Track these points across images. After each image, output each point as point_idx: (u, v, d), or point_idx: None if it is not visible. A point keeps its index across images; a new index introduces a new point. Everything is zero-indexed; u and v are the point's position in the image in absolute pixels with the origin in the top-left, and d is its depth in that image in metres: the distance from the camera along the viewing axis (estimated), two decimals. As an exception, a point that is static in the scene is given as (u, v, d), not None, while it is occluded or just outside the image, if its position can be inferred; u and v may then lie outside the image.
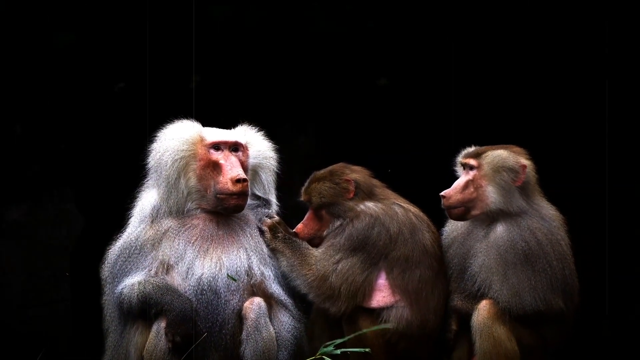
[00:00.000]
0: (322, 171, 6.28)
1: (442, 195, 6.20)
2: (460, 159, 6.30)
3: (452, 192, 6.20)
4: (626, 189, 8.46)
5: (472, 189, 6.19)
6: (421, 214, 6.28)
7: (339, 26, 8.66)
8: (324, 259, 6.07)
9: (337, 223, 6.17)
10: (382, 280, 6.12)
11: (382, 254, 6.10)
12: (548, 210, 6.27)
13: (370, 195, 6.22)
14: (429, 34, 8.70)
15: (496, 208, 6.16)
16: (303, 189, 6.26)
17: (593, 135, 8.50)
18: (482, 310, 6.07)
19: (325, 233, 6.20)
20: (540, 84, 8.58)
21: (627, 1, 8.27)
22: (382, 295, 6.10)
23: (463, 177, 6.24)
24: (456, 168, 6.36)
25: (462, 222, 6.36)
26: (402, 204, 6.25)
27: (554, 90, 8.57)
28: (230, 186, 5.94)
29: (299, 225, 6.22)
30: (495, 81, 8.63)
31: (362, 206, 6.16)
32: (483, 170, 6.19)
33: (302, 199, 6.25)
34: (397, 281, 6.10)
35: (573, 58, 8.51)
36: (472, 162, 6.22)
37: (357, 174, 6.27)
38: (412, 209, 6.26)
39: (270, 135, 6.34)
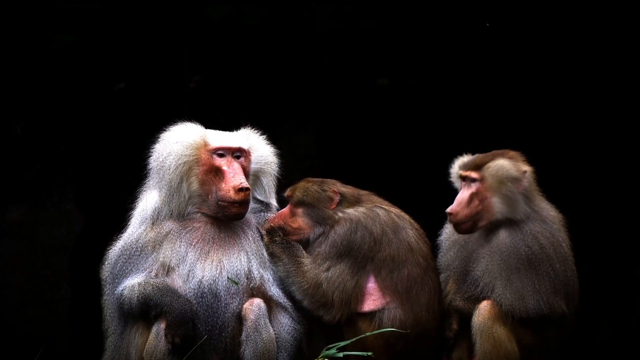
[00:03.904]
0: (316, 178, 6.31)
1: (448, 213, 6.17)
2: (459, 171, 6.24)
3: (458, 208, 6.16)
4: (626, 189, 8.46)
5: (477, 202, 6.17)
6: (403, 213, 6.28)
7: (339, 25, 8.66)
8: (314, 268, 6.09)
9: (319, 230, 6.18)
10: (371, 284, 6.13)
11: (368, 257, 6.11)
12: (549, 211, 6.27)
13: (351, 204, 6.23)
14: (430, 34, 8.70)
15: (503, 217, 6.15)
16: (290, 186, 6.28)
17: (593, 135, 8.50)
18: (483, 310, 6.07)
19: (310, 237, 6.20)
20: (540, 83, 8.57)
21: (626, 3, 8.27)
22: (372, 299, 6.12)
23: (466, 191, 6.19)
24: (454, 179, 6.32)
25: (462, 224, 6.36)
26: (383, 206, 6.25)
27: (553, 90, 8.56)
28: (232, 194, 5.93)
29: (272, 215, 6.23)
30: (495, 81, 8.63)
31: (340, 213, 6.18)
32: (486, 182, 6.16)
33: (286, 194, 6.26)
34: (386, 282, 6.11)
35: (572, 58, 8.51)
36: (474, 174, 6.19)
37: (346, 189, 6.28)
38: (394, 209, 6.27)
39: (270, 135, 6.34)
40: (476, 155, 6.26)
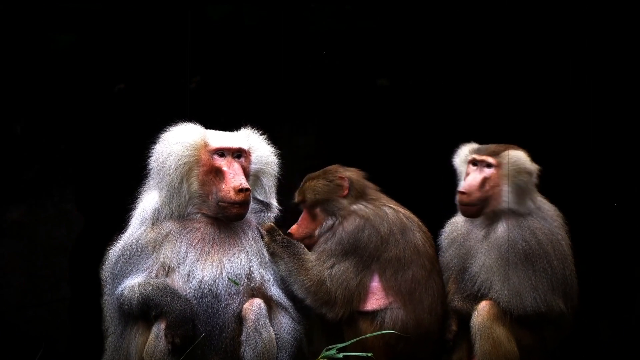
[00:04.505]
0: (315, 172, 6.30)
1: (460, 192, 6.15)
2: (472, 155, 6.23)
3: (472, 189, 6.15)
4: (626, 189, 8.46)
5: (487, 188, 6.16)
6: (411, 214, 6.28)
7: (339, 25, 8.66)
8: (318, 265, 6.08)
9: (329, 222, 6.17)
10: (375, 283, 6.13)
11: (374, 257, 6.11)
12: (549, 210, 6.28)
13: (362, 195, 6.22)
14: (430, 34, 8.70)
15: (507, 208, 6.16)
16: (297, 190, 6.28)
17: (593, 134, 8.50)
18: (482, 311, 6.07)
19: (317, 232, 6.21)
20: (541, 83, 8.57)
21: (627, 2, 8.27)
22: (375, 298, 6.11)
23: (478, 174, 6.19)
24: (459, 163, 6.32)
25: (462, 223, 6.36)
26: (392, 205, 6.25)
27: (553, 90, 8.56)
28: (232, 195, 5.93)
29: (294, 226, 6.24)
30: (496, 81, 8.63)
31: (354, 206, 6.17)
32: (503, 169, 6.16)
33: (295, 200, 6.26)
34: (390, 282, 6.11)
35: (572, 58, 8.51)
36: (491, 160, 6.19)
37: (351, 172, 6.28)
38: (402, 210, 6.26)
39: (270, 135, 6.34)
40: (489, 144, 6.27)
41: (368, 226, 6.11)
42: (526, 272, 6.08)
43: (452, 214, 6.49)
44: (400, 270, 6.12)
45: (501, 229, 6.16)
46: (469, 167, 6.25)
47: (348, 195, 6.20)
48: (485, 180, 6.17)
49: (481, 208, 6.17)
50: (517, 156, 6.19)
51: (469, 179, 6.18)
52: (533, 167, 6.20)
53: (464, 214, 6.22)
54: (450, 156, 6.43)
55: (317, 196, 6.20)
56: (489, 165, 6.19)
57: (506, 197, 6.15)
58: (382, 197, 6.30)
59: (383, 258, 6.12)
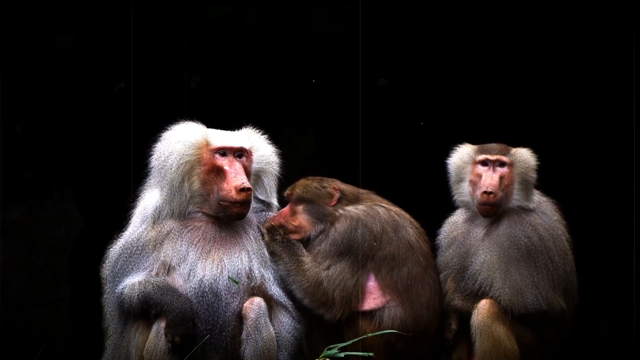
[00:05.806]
0: (314, 177, 6.31)
1: (489, 192, 6.12)
2: (485, 155, 6.22)
3: (496, 188, 6.15)
4: (626, 188, 8.46)
5: (502, 186, 6.17)
6: (403, 212, 6.28)
7: (339, 25, 8.66)
8: (314, 266, 6.09)
9: (320, 227, 6.17)
10: (371, 282, 6.13)
11: (368, 256, 6.11)
12: (547, 204, 6.29)
13: (351, 202, 6.23)
14: (430, 34, 8.70)
15: (517, 205, 6.17)
16: (290, 186, 6.28)
17: (592, 133, 8.50)
18: (482, 309, 6.07)
19: (311, 234, 6.20)
20: (540, 83, 8.58)
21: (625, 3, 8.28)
22: (373, 297, 6.12)
23: (493, 174, 6.19)
24: (459, 164, 6.31)
25: (461, 222, 6.37)
26: (384, 204, 6.25)
27: (553, 90, 8.57)
28: (234, 194, 5.93)
29: (271, 215, 6.23)
30: (496, 81, 8.63)
31: (341, 210, 6.17)
32: (516, 168, 6.17)
33: (285, 193, 6.26)
34: (386, 281, 6.11)
35: (571, 58, 8.51)
36: (505, 159, 6.19)
37: (346, 187, 6.29)
38: (394, 208, 6.27)
39: (271, 135, 6.34)
40: (490, 144, 6.27)
41: (360, 226, 6.12)
42: (528, 269, 6.09)
43: (450, 213, 6.50)
44: (396, 268, 6.13)
45: (503, 225, 6.17)
46: (477, 167, 6.24)
47: (335, 206, 6.21)
48: (501, 179, 6.17)
49: (499, 208, 6.17)
50: (527, 154, 6.22)
51: (488, 179, 6.17)
52: (535, 164, 6.22)
53: (487, 214, 6.19)
54: (450, 156, 6.42)
55: (305, 194, 6.21)
56: (502, 164, 6.19)
57: (516, 194, 6.17)
58: (373, 197, 6.31)
59: (377, 257, 6.13)
